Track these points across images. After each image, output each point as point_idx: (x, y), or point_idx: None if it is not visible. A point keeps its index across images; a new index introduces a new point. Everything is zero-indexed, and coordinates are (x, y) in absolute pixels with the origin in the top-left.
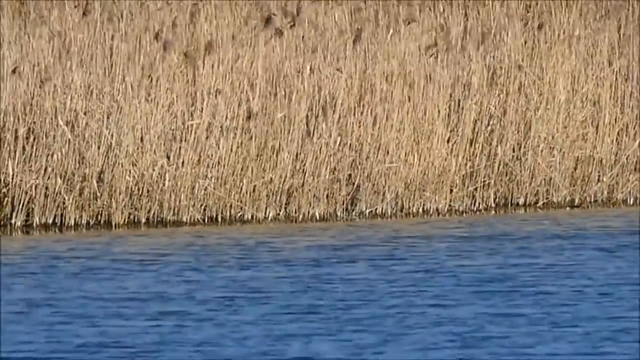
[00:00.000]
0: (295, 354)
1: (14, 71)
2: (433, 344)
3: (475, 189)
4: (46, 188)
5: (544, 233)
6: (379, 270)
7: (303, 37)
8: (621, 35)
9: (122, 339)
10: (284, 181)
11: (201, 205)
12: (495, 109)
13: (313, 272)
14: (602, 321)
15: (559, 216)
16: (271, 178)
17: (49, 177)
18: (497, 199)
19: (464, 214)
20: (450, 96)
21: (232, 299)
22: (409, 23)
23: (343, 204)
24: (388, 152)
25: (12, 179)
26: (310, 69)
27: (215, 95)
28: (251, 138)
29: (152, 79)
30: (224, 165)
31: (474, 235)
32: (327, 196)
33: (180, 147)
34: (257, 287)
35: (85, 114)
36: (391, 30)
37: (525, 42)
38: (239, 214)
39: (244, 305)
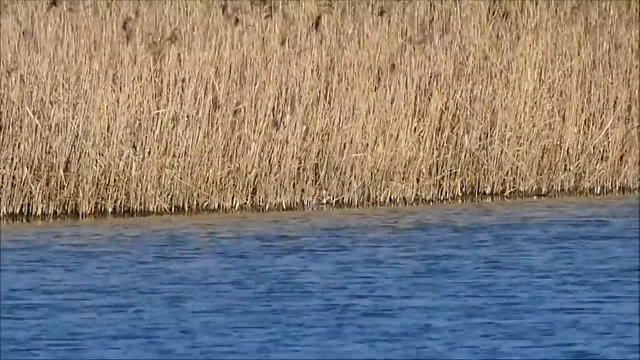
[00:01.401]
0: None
1: None
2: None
3: (443, 178)
4: (13, 178)
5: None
6: (314, 261)
7: (270, 28)
8: (589, 25)
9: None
10: (251, 170)
11: (168, 195)
12: (462, 98)
13: (242, 263)
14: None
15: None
16: (238, 167)
17: (16, 167)
18: (464, 188)
19: (431, 203)
20: (418, 86)
21: (150, 291)
22: (381, 14)
23: (310, 193)
24: (355, 142)
25: None
26: (278, 59)
27: (182, 85)
28: (218, 128)
29: (117, 68)
30: (191, 155)
31: (421, 225)
32: (294, 185)
33: (147, 137)
34: (177, 279)
35: (52, 104)
36: (360, 21)
37: (493, 32)
38: (206, 204)
39: (157, 299)
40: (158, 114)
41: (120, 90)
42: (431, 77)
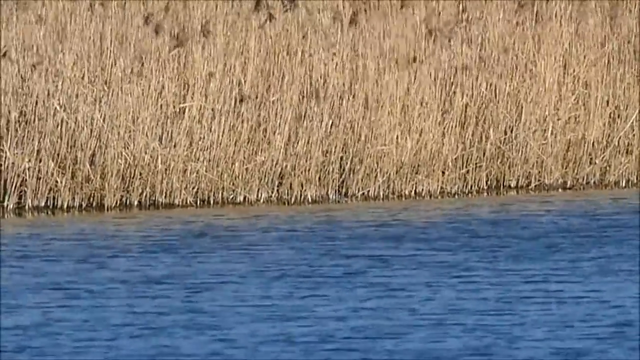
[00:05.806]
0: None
1: (4, 55)
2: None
3: (467, 172)
4: (39, 171)
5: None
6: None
7: (297, 21)
8: (613, 16)
9: None
10: (276, 163)
11: (193, 188)
12: (487, 91)
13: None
14: None
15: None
16: (263, 160)
17: (41, 160)
18: (489, 181)
19: (456, 196)
20: (443, 79)
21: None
22: (402, 7)
23: (335, 186)
24: (380, 135)
25: (5, 162)
26: (302, 52)
27: (208, 79)
28: (243, 121)
29: (143, 62)
30: (216, 148)
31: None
32: (319, 178)
33: (172, 130)
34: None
35: (77, 97)
36: (386, 14)
37: (517, 24)
38: (231, 197)
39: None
40: (183, 106)
41: (146, 83)
42: (456, 70)
